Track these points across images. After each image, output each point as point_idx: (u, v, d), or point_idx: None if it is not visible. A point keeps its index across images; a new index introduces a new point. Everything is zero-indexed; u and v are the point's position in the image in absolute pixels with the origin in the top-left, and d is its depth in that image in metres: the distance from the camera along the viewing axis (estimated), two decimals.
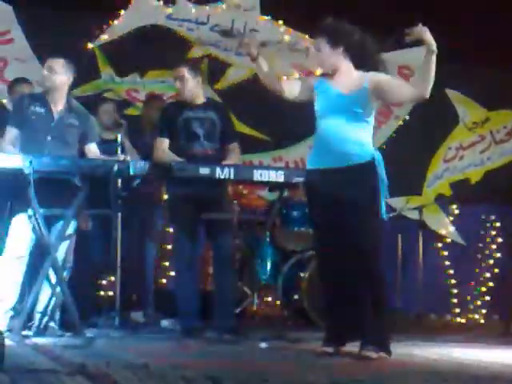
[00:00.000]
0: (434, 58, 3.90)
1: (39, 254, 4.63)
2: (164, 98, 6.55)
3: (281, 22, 6.99)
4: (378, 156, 4.02)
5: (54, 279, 4.64)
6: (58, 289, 4.64)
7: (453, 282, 7.57)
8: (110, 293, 5.57)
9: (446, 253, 7.58)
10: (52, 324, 4.73)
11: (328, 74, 4.14)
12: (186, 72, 5.09)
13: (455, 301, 7.55)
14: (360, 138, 4.01)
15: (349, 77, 4.08)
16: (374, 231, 3.97)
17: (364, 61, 4.08)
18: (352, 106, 4.00)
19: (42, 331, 4.65)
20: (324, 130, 4.04)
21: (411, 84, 4.23)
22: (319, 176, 4.03)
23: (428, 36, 3.89)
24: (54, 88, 4.80)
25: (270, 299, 6.22)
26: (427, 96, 3.99)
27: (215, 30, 7.01)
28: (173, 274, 6.02)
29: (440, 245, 7.59)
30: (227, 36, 3.99)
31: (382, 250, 4.00)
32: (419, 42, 3.93)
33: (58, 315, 4.78)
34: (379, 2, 6.65)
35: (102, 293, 5.94)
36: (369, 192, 3.95)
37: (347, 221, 3.93)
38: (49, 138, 4.75)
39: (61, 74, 4.80)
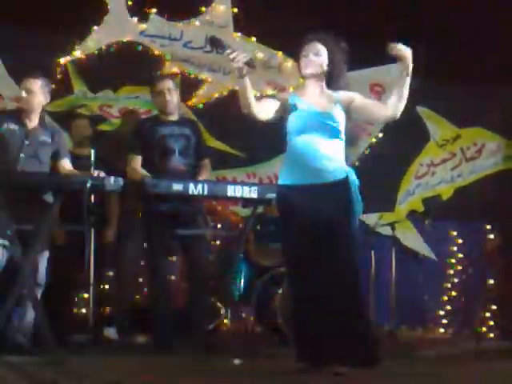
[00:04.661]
0: (407, 79, 3.95)
1: (11, 271, 4.58)
2: (140, 112, 6.56)
3: (254, 38, 7.03)
4: (352, 173, 4.05)
5: (26, 296, 4.60)
6: (31, 305, 4.60)
7: (425, 297, 7.61)
8: (84, 309, 5.52)
9: (418, 268, 7.62)
10: (24, 341, 4.68)
11: (301, 91, 4.16)
12: (172, 85, 5.11)
13: (428, 316, 7.59)
14: (334, 155, 4.03)
15: (322, 94, 4.11)
16: (348, 247, 3.98)
17: (338, 82, 4.11)
18: (327, 123, 4.03)
19: (14, 348, 4.60)
20: (298, 147, 4.04)
21: (383, 102, 4.25)
22: (292, 192, 4.03)
23: (406, 56, 3.93)
24: (32, 109, 4.78)
25: (243, 315, 6.20)
26: (398, 116, 4.05)
27: (188, 46, 7.04)
28: (146, 289, 6.00)
29: (412, 260, 7.63)
30: (215, 46, 3.88)
31: (356, 265, 4.00)
32: (397, 59, 3.96)
33: (30, 332, 4.73)
34: (355, 19, 6.71)
35: (75, 309, 5.89)
36: (342, 209, 3.97)
37: (320, 237, 3.94)
38: (22, 155, 4.72)
39: (39, 94, 4.78)
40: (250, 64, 3.80)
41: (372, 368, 3.88)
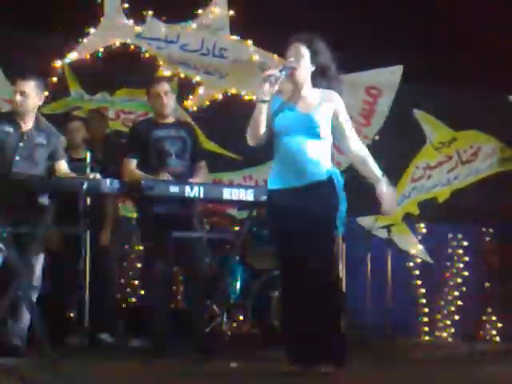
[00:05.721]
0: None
1: (6, 273, 4.57)
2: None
3: (250, 41, 7.03)
4: (337, 173, 4.05)
5: (21, 298, 4.59)
6: (26, 308, 4.59)
7: (422, 300, 7.61)
8: (79, 312, 5.51)
9: (414, 271, 7.63)
10: (20, 343, 4.67)
11: (284, 93, 4.13)
12: (168, 87, 5.13)
13: (424, 319, 7.60)
14: (318, 156, 4.01)
15: (306, 95, 4.09)
16: (333, 247, 4.02)
17: (326, 81, 4.11)
18: (309, 125, 4.01)
19: (9, 351, 4.58)
20: (283, 149, 4.04)
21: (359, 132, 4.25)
22: (281, 196, 4.03)
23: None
24: (26, 111, 4.77)
25: (240, 318, 6.19)
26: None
27: (185, 48, 7.04)
28: (142, 292, 6.01)
29: (409, 263, 7.64)
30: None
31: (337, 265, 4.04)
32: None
33: (25, 334, 4.72)
34: (349, 22, 6.72)
35: (70, 311, 5.88)
36: (327, 209, 3.98)
37: (308, 238, 3.94)
38: (17, 157, 4.71)
39: (34, 96, 4.77)
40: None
41: (343, 368, 3.88)
